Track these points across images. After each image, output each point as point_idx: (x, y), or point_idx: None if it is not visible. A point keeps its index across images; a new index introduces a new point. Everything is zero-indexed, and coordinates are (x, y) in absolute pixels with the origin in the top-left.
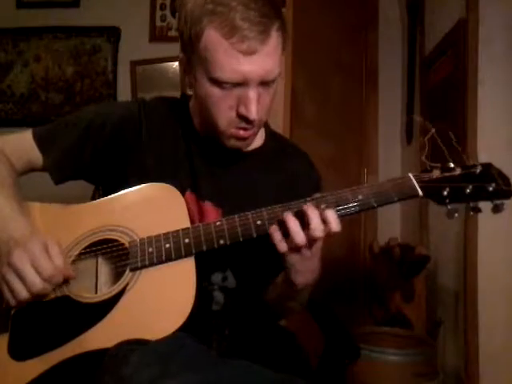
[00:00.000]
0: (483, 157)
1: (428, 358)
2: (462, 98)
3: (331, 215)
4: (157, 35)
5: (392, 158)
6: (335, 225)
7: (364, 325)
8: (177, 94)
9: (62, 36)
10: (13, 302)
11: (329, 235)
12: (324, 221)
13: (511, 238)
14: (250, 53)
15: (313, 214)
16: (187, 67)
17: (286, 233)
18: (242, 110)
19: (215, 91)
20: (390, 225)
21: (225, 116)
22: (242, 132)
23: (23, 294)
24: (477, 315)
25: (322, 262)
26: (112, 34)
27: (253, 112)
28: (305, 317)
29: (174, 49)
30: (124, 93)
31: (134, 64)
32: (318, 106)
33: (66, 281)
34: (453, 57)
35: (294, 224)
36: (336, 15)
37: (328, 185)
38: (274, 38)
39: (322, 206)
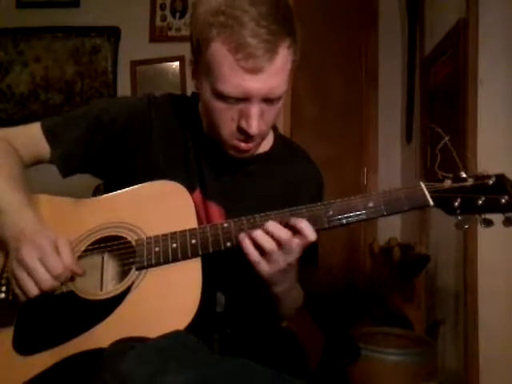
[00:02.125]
0: (482, 156)
1: (428, 358)
2: (462, 98)
3: (303, 225)
4: (157, 35)
5: (392, 157)
6: (310, 234)
7: (364, 325)
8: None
9: (62, 36)
10: (22, 298)
11: (306, 244)
12: (299, 232)
13: (511, 238)
14: (254, 71)
15: (275, 229)
16: (194, 70)
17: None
18: (243, 124)
19: (218, 103)
20: (390, 225)
21: (227, 127)
22: (242, 144)
23: (33, 290)
24: (477, 315)
25: (322, 262)
26: (112, 34)
27: (253, 128)
28: (305, 317)
29: (174, 49)
30: (124, 93)
31: (134, 64)
32: (318, 106)
33: (72, 277)
34: (453, 57)
35: (258, 233)
36: (336, 16)
37: (328, 185)
38: (283, 56)
39: (292, 219)
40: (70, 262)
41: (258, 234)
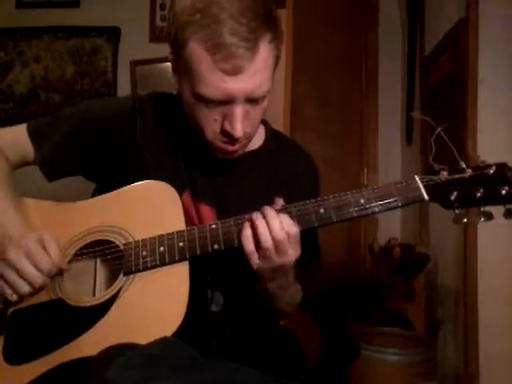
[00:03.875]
0: (482, 156)
1: (428, 358)
2: (461, 98)
3: (284, 218)
4: (157, 35)
5: (392, 157)
6: (289, 227)
7: (364, 325)
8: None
9: (62, 36)
10: (14, 298)
11: (290, 237)
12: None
13: (511, 238)
14: (234, 72)
15: (270, 214)
16: (174, 67)
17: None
18: (227, 126)
19: (199, 105)
20: (390, 225)
21: (210, 128)
22: (229, 147)
23: (24, 288)
24: (477, 315)
25: (321, 262)
26: (112, 34)
27: (237, 130)
28: (305, 317)
29: None
30: (124, 93)
31: (134, 64)
32: (318, 107)
33: (61, 272)
34: (453, 57)
35: (261, 225)
36: (336, 16)
37: (329, 185)
38: (264, 53)
39: (281, 210)
40: (57, 256)
41: (261, 226)
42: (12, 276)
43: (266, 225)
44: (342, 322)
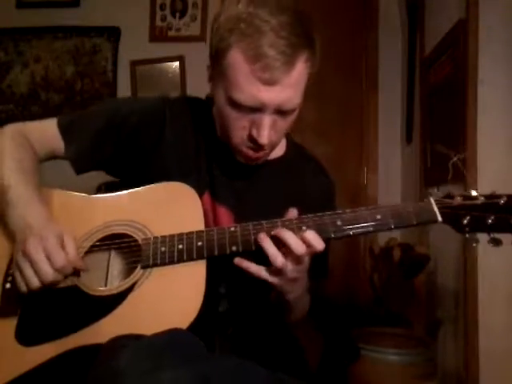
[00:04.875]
0: (483, 156)
1: (428, 358)
2: (461, 98)
3: (311, 236)
4: (157, 35)
5: (392, 157)
6: (318, 244)
7: (364, 325)
8: (177, 94)
9: (62, 36)
10: (24, 289)
11: (314, 253)
12: (306, 242)
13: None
14: (270, 83)
15: (288, 235)
16: (211, 75)
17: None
18: (254, 133)
19: (231, 110)
20: None
21: (238, 134)
22: (251, 153)
23: (35, 282)
24: (477, 315)
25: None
26: (112, 34)
27: (264, 137)
28: (304, 318)
29: (174, 49)
30: (124, 93)
31: (134, 64)
32: (318, 106)
33: (77, 272)
34: (453, 57)
35: (271, 248)
36: (336, 15)
37: None
38: (299, 69)
39: (304, 228)
40: (74, 256)
41: (270, 246)
42: (26, 267)
43: (273, 245)
44: (342, 323)
